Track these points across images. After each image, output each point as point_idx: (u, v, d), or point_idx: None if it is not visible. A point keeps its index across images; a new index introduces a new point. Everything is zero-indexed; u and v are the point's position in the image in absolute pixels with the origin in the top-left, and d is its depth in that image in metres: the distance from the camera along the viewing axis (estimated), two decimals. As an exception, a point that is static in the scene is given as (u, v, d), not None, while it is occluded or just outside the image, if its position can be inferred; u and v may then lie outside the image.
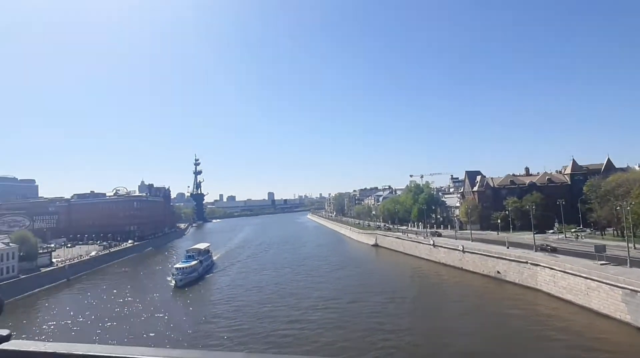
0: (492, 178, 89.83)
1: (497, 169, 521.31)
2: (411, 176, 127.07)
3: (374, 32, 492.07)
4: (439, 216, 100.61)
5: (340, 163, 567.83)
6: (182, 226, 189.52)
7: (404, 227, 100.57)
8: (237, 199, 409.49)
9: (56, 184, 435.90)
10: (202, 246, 74.86)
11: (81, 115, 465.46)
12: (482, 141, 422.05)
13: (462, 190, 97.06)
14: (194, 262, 61.80)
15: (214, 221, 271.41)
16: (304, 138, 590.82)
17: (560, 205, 65.31)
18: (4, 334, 1.71)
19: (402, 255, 77.11)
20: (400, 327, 34.74)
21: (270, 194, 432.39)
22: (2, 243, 60.19)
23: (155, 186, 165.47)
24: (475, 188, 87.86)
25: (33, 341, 1.56)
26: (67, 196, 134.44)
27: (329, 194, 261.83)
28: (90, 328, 39.13)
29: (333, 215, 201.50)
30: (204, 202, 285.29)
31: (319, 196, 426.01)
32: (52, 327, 40.28)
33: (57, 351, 1.40)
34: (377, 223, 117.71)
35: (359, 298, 45.41)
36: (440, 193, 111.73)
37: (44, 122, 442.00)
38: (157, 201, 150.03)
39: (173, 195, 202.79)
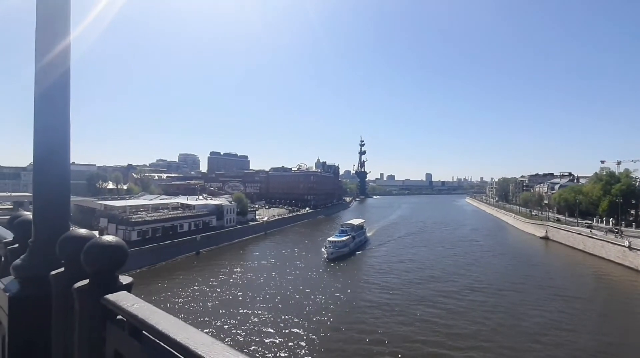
0: None
1: None
2: (603, 161, 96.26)
3: None
4: (640, 213, 74.69)
5: (506, 146, 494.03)
6: (348, 199, 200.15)
7: (588, 221, 79.62)
8: (396, 178, 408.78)
9: (260, 159, 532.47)
10: (356, 221, 70.52)
11: (278, 110, 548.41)
12: None
13: (682, 182, 69.49)
14: (345, 237, 58.30)
15: (374, 197, 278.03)
16: (464, 119, 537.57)
17: None
18: (125, 282, 1.80)
19: (581, 253, 61.38)
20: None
21: (428, 176, 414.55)
22: (228, 201, 77.80)
23: (327, 163, 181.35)
24: None
25: (134, 297, 1.61)
26: (266, 169, 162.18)
27: (491, 178, 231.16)
28: (272, 266, 48.25)
29: (494, 201, 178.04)
30: (366, 179, 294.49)
31: (479, 179, 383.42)
32: (255, 263, 50.54)
33: (138, 315, 1.41)
34: (549, 214, 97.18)
35: (517, 288, 39.52)
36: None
37: (254, 113, 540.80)
38: (328, 176, 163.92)
39: (341, 172, 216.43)
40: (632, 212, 75.61)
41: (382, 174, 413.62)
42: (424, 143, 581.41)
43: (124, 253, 1.79)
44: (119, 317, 1.59)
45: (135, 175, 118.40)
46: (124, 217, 53.99)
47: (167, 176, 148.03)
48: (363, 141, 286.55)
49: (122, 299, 1.60)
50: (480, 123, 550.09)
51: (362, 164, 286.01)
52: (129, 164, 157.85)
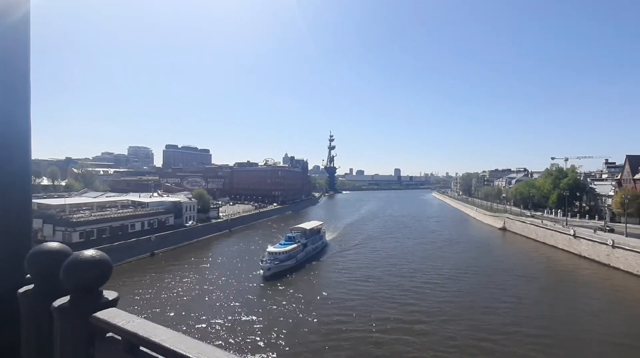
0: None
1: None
2: (553, 158, 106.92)
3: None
4: (584, 205, 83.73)
5: (470, 144, 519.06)
6: (317, 195, 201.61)
7: (539, 213, 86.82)
8: (365, 173, 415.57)
9: (223, 154, 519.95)
10: (309, 225, 59.09)
11: (243, 102, 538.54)
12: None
13: (618, 177, 78.02)
14: (291, 246, 47.33)
15: (343, 192, 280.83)
16: (431, 116, 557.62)
17: None
18: (111, 298, 1.69)
19: (533, 242, 67.72)
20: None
21: (397, 171, 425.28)
22: (187, 197, 75.81)
23: (295, 158, 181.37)
24: (639, 176, 69.66)
25: (126, 313, 1.54)
26: (231, 164, 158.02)
27: (456, 173, 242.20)
28: (236, 264, 48.39)
29: (458, 195, 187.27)
30: (335, 174, 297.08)
31: (445, 174, 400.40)
32: (218, 262, 50.82)
33: (138, 333, 1.37)
34: (507, 207, 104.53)
35: (478, 271, 45.60)
36: (588, 179, 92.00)
37: (213, 108, 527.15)
38: (296, 171, 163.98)
39: (310, 167, 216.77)
40: (577, 203, 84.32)
41: (351, 170, 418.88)
42: (393, 138, 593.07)
43: (109, 268, 1.69)
44: (110, 334, 1.52)
45: (75, 170, 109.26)
46: (62, 216, 49.95)
47: (115, 171, 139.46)
48: (332, 136, 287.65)
49: (115, 316, 1.52)
50: (446, 122, 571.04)
51: (331, 159, 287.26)
52: (67, 157, 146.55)
